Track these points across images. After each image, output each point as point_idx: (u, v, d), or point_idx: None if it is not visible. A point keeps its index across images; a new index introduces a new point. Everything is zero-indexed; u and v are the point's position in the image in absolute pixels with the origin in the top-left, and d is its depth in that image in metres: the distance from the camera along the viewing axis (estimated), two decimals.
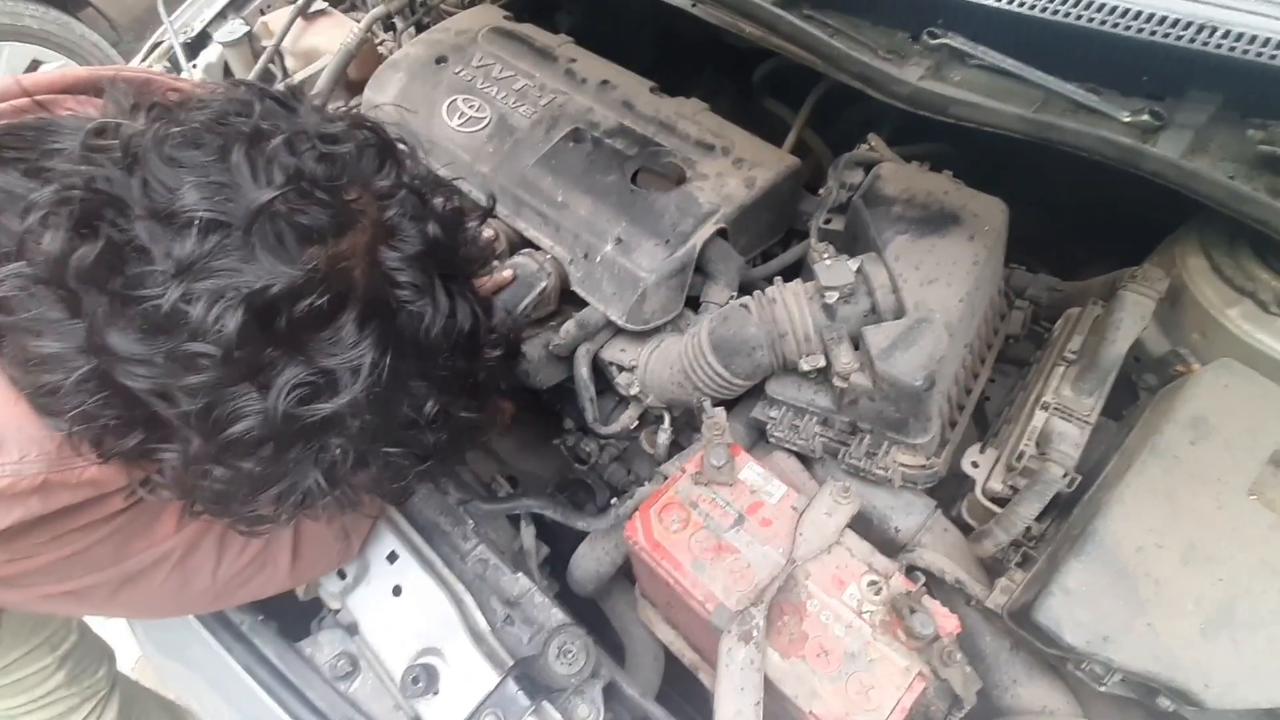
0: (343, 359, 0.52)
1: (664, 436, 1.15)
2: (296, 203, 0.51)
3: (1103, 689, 0.72)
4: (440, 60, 1.30)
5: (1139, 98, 0.90)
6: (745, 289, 1.14)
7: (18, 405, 0.54)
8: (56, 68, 2.73)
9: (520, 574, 0.88)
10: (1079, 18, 0.86)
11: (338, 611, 0.84)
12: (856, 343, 0.88)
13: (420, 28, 1.51)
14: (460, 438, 0.68)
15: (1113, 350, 0.80)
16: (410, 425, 0.60)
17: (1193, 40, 0.81)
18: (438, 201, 0.64)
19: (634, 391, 1.11)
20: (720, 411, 0.92)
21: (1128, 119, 0.87)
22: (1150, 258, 0.95)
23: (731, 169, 1.12)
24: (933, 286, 0.85)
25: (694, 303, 1.11)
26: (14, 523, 0.54)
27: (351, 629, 0.81)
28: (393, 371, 0.55)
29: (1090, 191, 1.07)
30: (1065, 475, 0.74)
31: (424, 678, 0.72)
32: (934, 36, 0.98)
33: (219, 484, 0.54)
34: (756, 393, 1.04)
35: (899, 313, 0.86)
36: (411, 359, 0.57)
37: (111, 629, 1.33)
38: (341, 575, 0.83)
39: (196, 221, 0.48)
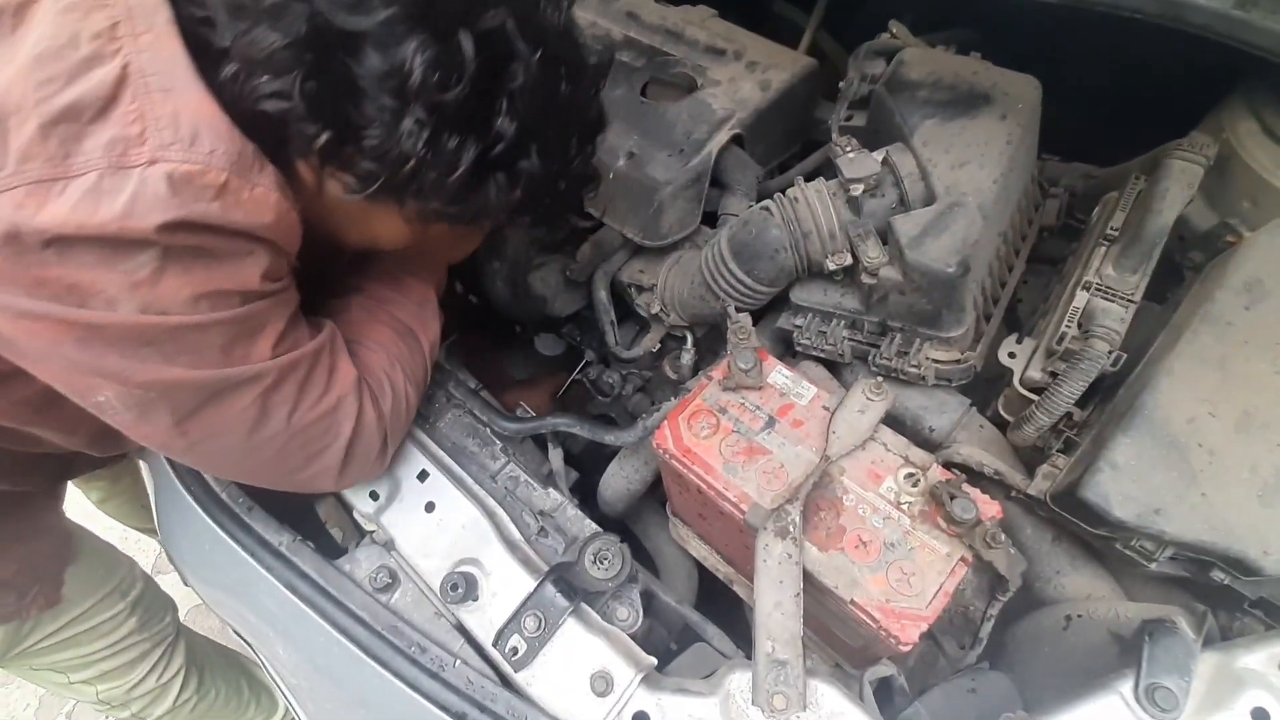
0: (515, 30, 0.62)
1: (687, 358, 1.13)
2: None
3: (1153, 566, 0.70)
4: None
5: None
6: (762, 199, 1.10)
7: (212, 104, 0.58)
8: None
9: (551, 489, 0.88)
10: None
11: (372, 533, 0.85)
12: (884, 236, 0.85)
13: None
14: (572, 186, 0.79)
15: (1159, 221, 0.75)
16: (553, 106, 0.68)
17: None
18: None
19: (655, 310, 1.09)
20: (746, 316, 0.89)
21: None
22: (1195, 130, 0.90)
23: (744, 73, 1.07)
24: (964, 169, 0.81)
25: (711, 219, 1.08)
26: (188, 217, 0.56)
27: (388, 545, 0.82)
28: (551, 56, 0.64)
29: (1127, 74, 1.00)
30: (1110, 352, 0.71)
31: (463, 584, 0.73)
32: None
33: (412, 145, 0.60)
34: (780, 305, 1.01)
35: (929, 200, 0.83)
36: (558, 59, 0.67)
37: (167, 584, 1.38)
38: (374, 496, 0.83)
39: None
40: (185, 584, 0.94)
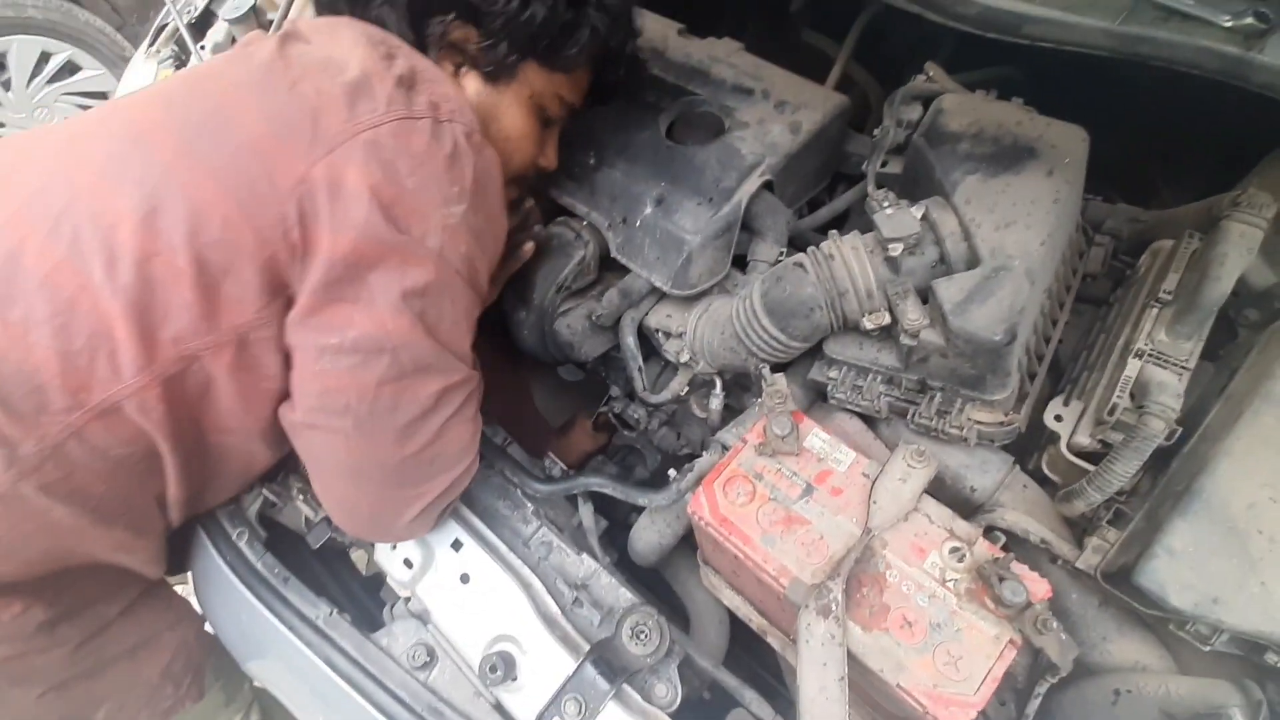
0: None
1: (716, 402, 1.12)
2: None
3: (1207, 649, 0.68)
4: None
5: None
6: (794, 242, 1.08)
7: (454, 84, 0.85)
8: (65, 58, 2.70)
9: (584, 554, 0.87)
10: None
11: (408, 600, 0.85)
12: (924, 296, 0.82)
13: None
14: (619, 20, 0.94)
15: (1216, 289, 0.72)
16: None
17: None
18: None
19: (683, 358, 1.07)
20: (781, 378, 0.87)
21: (1229, 23, 0.77)
22: (1250, 179, 0.86)
23: (774, 114, 1.04)
24: (1010, 230, 0.78)
25: (740, 261, 1.06)
26: (478, 176, 0.76)
27: (423, 617, 0.81)
28: None
29: (1176, 111, 0.96)
30: (1166, 429, 0.69)
31: (501, 666, 0.72)
32: None
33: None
34: (813, 350, 0.99)
35: (972, 261, 0.80)
36: None
37: None
38: (408, 564, 0.83)
39: None
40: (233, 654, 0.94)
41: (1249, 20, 0.77)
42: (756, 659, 1.17)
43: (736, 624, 1.06)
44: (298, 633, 0.79)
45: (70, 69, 2.75)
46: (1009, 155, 0.82)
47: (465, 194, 0.74)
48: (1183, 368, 0.75)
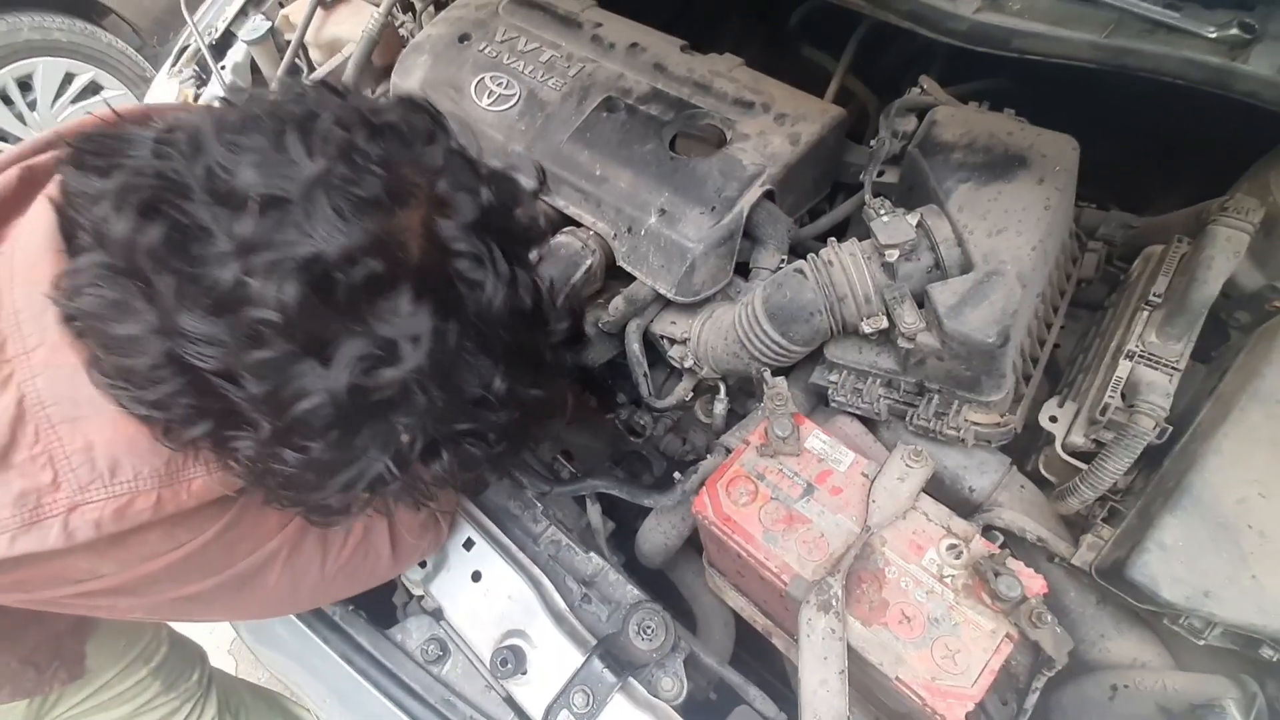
0: (402, 328, 0.52)
1: (720, 407, 1.14)
2: (350, 175, 0.52)
3: (1201, 643, 0.70)
4: (463, 38, 1.28)
5: (1225, 9, 0.82)
6: (795, 250, 1.10)
7: (129, 425, 0.55)
8: (88, 79, 2.78)
9: (592, 553, 0.90)
10: None
11: (421, 598, 0.87)
12: (921, 301, 0.85)
13: (439, 6, 1.47)
14: (530, 420, 0.67)
15: (1204, 291, 0.75)
16: (478, 403, 0.59)
17: None
18: (488, 171, 0.64)
19: (688, 364, 1.10)
20: (781, 381, 0.90)
21: (1214, 34, 0.80)
22: (1239, 184, 0.88)
23: (773, 126, 1.08)
24: (1002, 236, 0.81)
25: (743, 269, 1.09)
26: (128, 528, 0.56)
27: (436, 614, 0.84)
28: (455, 342, 0.55)
29: (1165, 119, 0.99)
30: (1156, 427, 0.71)
31: (512, 659, 0.75)
32: None
33: (290, 468, 0.55)
34: (814, 356, 1.01)
35: (966, 267, 0.82)
36: (474, 330, 0.57)
37: (198, 630, 1.41)
38: (422, 564, 0.86)
39: (255, 199, 0.49)
40: (247, 647, 0.97)
41: (1234, 31, 0.80)
42: (762, 663, 1.18)
43: (742, 629, 1.08)
44: (314, 629, 0.82)
45: (93, 89, 2.84)
46: (1001, 164, 0.85)
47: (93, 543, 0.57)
48: (1173, 368, 0.77)
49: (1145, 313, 0.81)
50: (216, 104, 0.60)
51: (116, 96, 2.87)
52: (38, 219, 0.58)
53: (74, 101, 2.81)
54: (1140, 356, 0.78)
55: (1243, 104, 0.79)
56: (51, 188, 0.59)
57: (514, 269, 0.59)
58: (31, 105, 2.71)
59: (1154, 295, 0.81)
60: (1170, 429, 0.73)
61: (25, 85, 2.67)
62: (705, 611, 1.10)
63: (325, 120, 0.53)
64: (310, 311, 0.49)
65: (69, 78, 2.75)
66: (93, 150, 0.57)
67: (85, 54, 2.74)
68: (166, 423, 0.55)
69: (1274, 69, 0.74)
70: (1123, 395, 0.77)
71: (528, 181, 0.84)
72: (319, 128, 0.53)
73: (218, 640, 1.39)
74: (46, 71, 2.67)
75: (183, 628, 1.30)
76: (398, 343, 0.52)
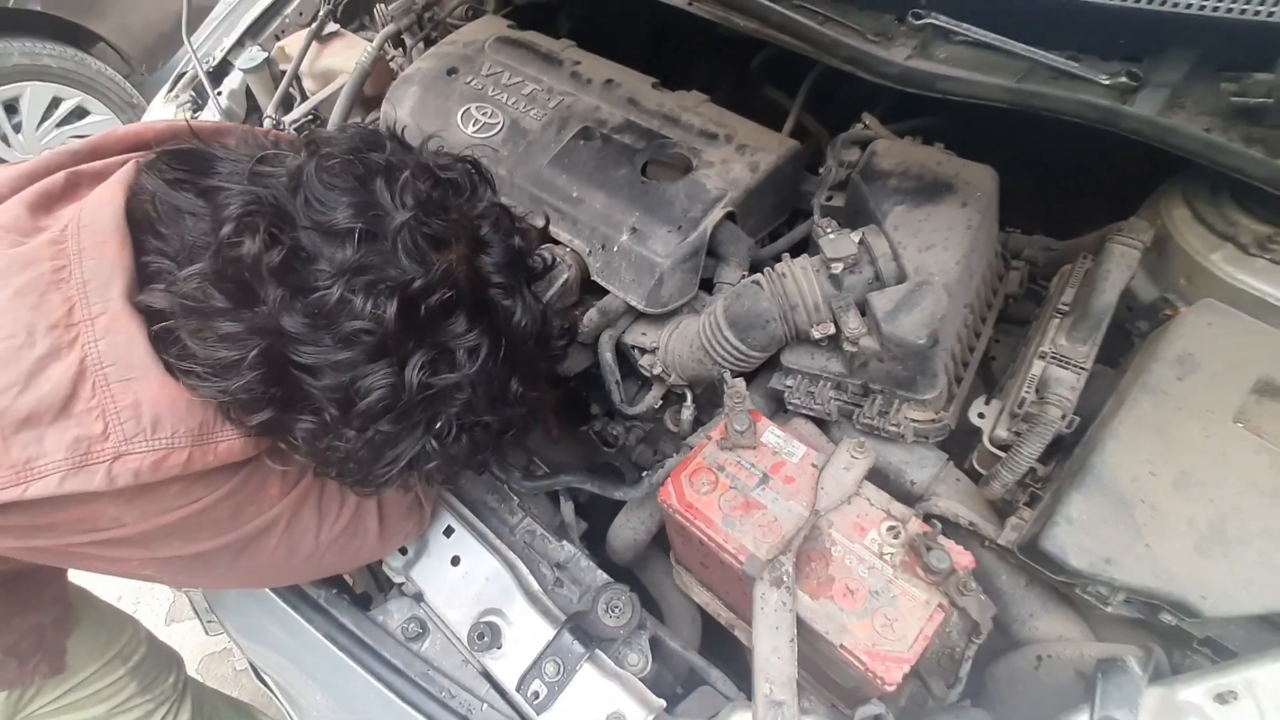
0: (461, 341, 0.67)
1: (687, 414, 1.22)
2: (424, 219, 0.65)
3: (1109, 609, 0.78)
4: (451, 72, 1.38)
5: (1118, 60, 0.95)
6: (756, 268, 1.20)
7: (173, 389, 0.64)
8: (75, 104, 2.84)
9: (565, 542, 0.96)
10: None
11: (402, 585, 0.92)
12: (863, 309, 0.95)
13: (429, 42, 1.58)
14: (530, 415, 0.82)
15: (1102, 299, 0.85)
16: (501, 400, 0.74)
17: (1164, 1, 0.86)
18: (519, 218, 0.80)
19: (657, 371, 1.18)
20: (740, 381, 0.98)
21: (1107, 82, 0.93)
22: (1139, 211, 1.01)
23: (735, 155, 1.19)
24: (931, 252, 0.91)
25: (708, 285, 1.18)
26: (159, 479, 0.63)
27: (417, 598, 0.89)
28: (494, 353, 0.69)
29: (1078, 154, 1.12)
30: (1064, 416, 0.80)
31: (489, 634, 0.80)
32: (918, 17, 1.03)
33: (348, 446, 0.66)
34: (772, 365, 1.10)
35: (901, 278, 0.93)
36: (506, 345, 0.71)
37: (176, 637, 1.42)
38: (403, 551, 0.91)
39: (355, 232, 0.61)
40: (222, 633, 1.00)
41: (1123, 79, 0.93)
42: (728, 665, 1.24)
43: (708, 638, 1.14)
44: (299, 611, 0.86)
45: (79, 113, 2.89)
46: (930, 190, 0.96)
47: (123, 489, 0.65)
48: (1080, 368, 0.87)
49: (1056, 320, 0.92)
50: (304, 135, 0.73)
51: (103, 121, 2.93)
52: (104, 203, 0.67)
53: (59, 125, 2.85)
54: (1052, 357, 0.88)
55: (1141, 143, 0.92)
56: (122, 175, 0.69)
57: (535, 298, 0.75)
58: (17, 128, 2.75)
59: (1063, 304, 0.92)
60: (1078, 420, 0.83)
61: (11, 108, 2.72)
62: (673, 608, 1.16)
63: (406, 175, 0.66)
64: (398, 325, 0.62)
65: (55, 102, 2.80)
66: (177, 163, 0.68)
67: (74, 80, 2.80)
68: (235, 406, 0.64)
69: (1155, 110, 0.86)
70: (1037, 391, 0.86)
71: (538, 220, 1.04)
72: (401, 179, 0.65)
73: (185, 654, 1.40)
74: (34, 95, 2.72)
75: (159, 634, 1.32)
76: (456, 353, 0.66)
